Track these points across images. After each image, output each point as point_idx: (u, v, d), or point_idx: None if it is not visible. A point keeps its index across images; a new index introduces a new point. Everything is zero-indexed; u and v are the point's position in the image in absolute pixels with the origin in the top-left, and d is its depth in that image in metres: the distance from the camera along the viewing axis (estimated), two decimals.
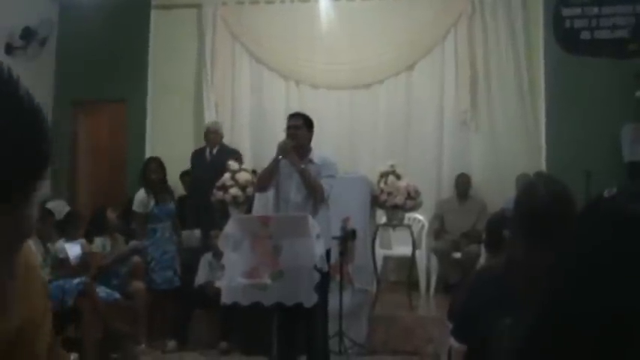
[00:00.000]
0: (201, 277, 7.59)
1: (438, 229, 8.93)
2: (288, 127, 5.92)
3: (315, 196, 5.75)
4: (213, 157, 8.58)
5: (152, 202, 7.69)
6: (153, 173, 7.77)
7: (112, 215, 7.60)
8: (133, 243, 7.64)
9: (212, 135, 8.71)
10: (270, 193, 6.11)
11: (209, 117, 10.01)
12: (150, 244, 7.59)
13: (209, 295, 7.28)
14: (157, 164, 7.91)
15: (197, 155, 8.81)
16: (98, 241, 7.35)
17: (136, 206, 7.76)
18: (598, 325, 1.03)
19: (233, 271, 5.72)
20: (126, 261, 7.37)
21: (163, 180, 7.90)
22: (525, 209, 2.26)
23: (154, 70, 10.40)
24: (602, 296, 1.03)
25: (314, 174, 5.77)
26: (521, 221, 2.27)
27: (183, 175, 9.52)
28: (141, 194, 7.77)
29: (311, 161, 5.86)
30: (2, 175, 0.89)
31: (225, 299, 5.71)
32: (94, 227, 7.40)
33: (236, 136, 9.88)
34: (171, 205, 7.83)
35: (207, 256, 7.67)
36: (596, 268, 1.05)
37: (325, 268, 5.61)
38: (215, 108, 10.06)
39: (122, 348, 6.86)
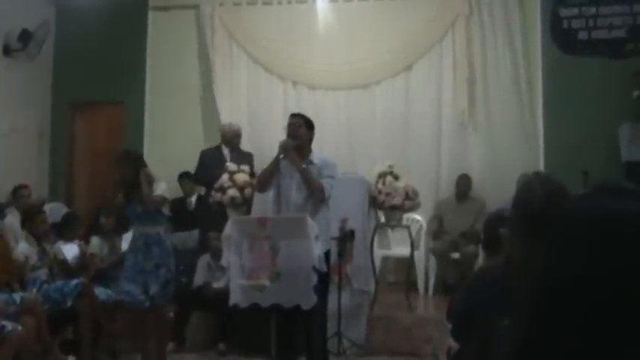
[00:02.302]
0: (199, 279, 7.59)
1: (437, 230, 8.93)
2: (289, 125, 5.92)
3: (315, 196, 5.74)
4: (232, 158, 8.56)
5: (123, 201, 6.47)
6: (121, 172, 6.46)
7: (104, 220, 7.58)
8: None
9: (233, 136, 8.70)
10: (270, 194, 6.10)
11: (207, 118, 10.06)
12: (128, 250, 6.50)
13: (207, 297, 7.29)
14: (127, 159, 6.53)
15: (211, 154, 8.74)
16: (95, 242, 7.33)
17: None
18: (592, 326, 1.03)
19: (233, 273, 5.72)
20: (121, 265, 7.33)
21: (133, 178, 6.31)
22: (522, 209, 2.26)
23: (152, 72, 10.40)
24: (593, 295, 1.04)
25: (314, 174, 5.77)
26: (519, 221, 2.27)
27: (182, 177, 9.51)
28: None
29: (311, 162, 5.85)
30: None
31: (232, 300, 5.69)
32: (93, 229, 7.41)
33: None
34: (140, 209, 6.30)
35: (205, 258, 7.67)
36: (581, 269, 1.06)
37: (323, 269, 5.60)
38: (213, 109, 10.06)
39: (118, 351, 6.87)
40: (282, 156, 5.80)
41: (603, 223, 1.06)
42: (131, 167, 6.35)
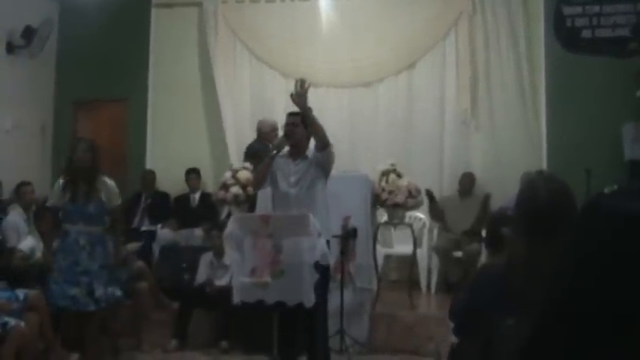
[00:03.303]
0: (201, 277, 7.58)
1: (440, 215, 8.84)
2: (286, 125, 5.92)
3: (317, 138, 5.74)
4: None
5: (67, 196, 6.07)
6: (80, 160, 6.08)
7: None
8: (131, 245, 7.62)
9: (270, 130, 8.47)
10: (269, 190, 6.10)
11: (210, 115, 10.09)
12: (61, 250, 6.09)
13: (210, 294, 7.29)
14: (87, 146, 6.17)
15: (257, 147, 8.51)
16: None
17: (51, 198, 6.39)
18: (603, 323, 1.03)
19: (236, 271, 5.72)
20: (126, 267, 7.30)
21: (89, 174, 6.08)
22: (527, 207, 2.26)
23: (155, 69, 10.41)
24: (606, 294, 1.03)
25: (308, 165, 5.77)
26: (523, 219, 2.27)
27: (190, 173, 9.54)
28: (58, 184, 6.23)
29: (306, 157, 5.85)
30: None
31: (235, 298, 5.68)
32: None
33: (237, 134, 9.88)
34: (91, 208, 6.02)
35: (208, 255, 7.67)
36: (598, 267, 1.05)
37: (327, 262, 5.59)
38: (216, 106, 10.07)
39: (120, 348, 6.87)
40: (274, 152, 5.82)
41: (617, 223, 1.06)
42: (91, 159, 6.08)
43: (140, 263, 7.49)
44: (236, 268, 5.74)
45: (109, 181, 6.23)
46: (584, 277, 1.08)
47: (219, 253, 7.54)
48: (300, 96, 5.68)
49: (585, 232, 1.12)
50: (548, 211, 2.16)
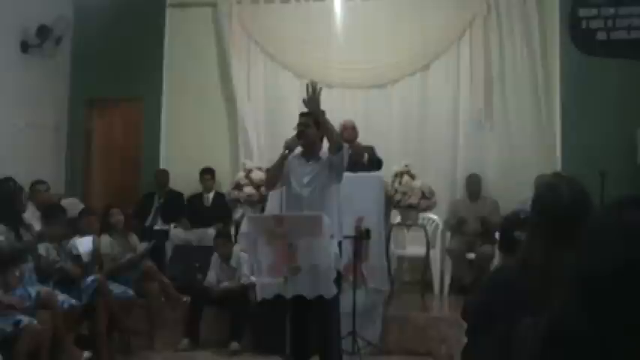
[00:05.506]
0: (211, 277, 7.54)
1: (456, 224, 8.82)
2: (298, 125, 5.89)
3: (331, 142, 5.69)
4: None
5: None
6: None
7: (115, 218, 7.47)
8: (142, 245, 7.61)
9: (350, 131, 8.43)
10: (282, 190, 6.09)
11: (224, 115, 10.10)
12: None
13: (219, 295, 7.28)
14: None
15: None
16: (105, 241, 7.24)
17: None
18: (619, 323, 1.02)
19: (255, 270, 5.70)
20: (136, 266, 7.30)
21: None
22: (548, 210, 2.25)
23: (170, 68, 10.42)
24: (625, 295, 1.03)
25: (321, 167, 5.74)
26: (543, 222, 2.26)
27: (204, 173, 9.56)
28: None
29: (319, 158, 5.82)
30: None
31: (258, 296, 5.67)
32: (103, 228, 7.34)
33: (251, 135, 9.89)
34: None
35: (218, 257, 7.65)
36: (616, 269, 1.05)
37: (340, 267, 5.57)
38: (230, 105, 10.09)
39: (132, 348, 6.89)
40: (287, 152, 5.80)
41: (624, 233, 1.05)
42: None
43: (149, 264, 7.47)
44: (255, 268, 5.71)
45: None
46: (602, 278, 1.07)
47: (225, 258, 7.51)
48: (311, 100, 5.66)
49: (596, 242, 1.12)
50: (572, 212, 2.15)
